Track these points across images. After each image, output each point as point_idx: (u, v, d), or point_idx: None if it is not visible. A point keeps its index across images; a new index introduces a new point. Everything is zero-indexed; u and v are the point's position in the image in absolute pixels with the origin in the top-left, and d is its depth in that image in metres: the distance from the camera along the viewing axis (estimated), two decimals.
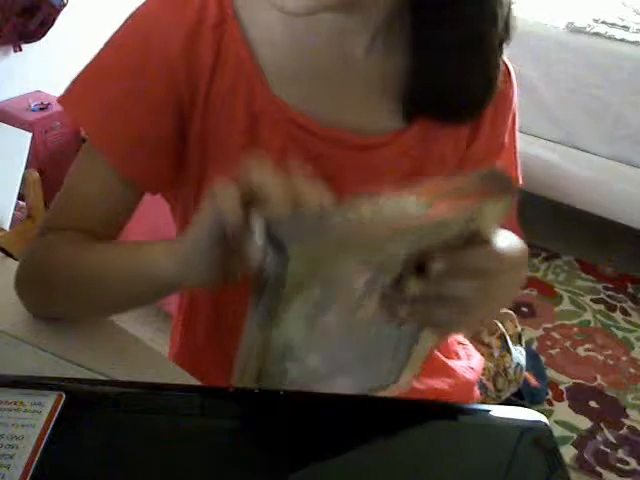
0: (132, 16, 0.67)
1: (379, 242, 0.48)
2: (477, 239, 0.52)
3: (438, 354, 0.86)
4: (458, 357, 0.90)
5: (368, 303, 0.53)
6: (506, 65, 0.71)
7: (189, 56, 0.65)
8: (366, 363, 0.61)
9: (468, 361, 0.91)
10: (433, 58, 0.65)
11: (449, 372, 0.86)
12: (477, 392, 0.90)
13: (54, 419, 0.52)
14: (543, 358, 1.86)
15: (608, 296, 2.18)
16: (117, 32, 0.67)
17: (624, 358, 1.94)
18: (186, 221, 0.73)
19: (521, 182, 0.78)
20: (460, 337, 0.95)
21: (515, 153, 0.77)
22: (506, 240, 0.58)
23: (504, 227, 0.58)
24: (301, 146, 0.67)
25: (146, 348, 0.71)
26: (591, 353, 1.94)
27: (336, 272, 0.49)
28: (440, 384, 0.84)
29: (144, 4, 0.67)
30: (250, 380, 0.57)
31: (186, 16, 0.64)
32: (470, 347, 0.95)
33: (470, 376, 0.88)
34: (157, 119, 0.66)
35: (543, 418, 0.59)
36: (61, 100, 0.69)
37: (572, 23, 2.15)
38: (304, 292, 0.49)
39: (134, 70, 0.65)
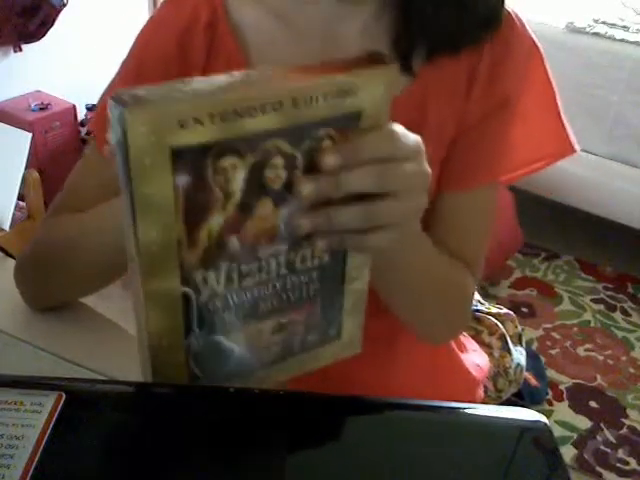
0: (142, 29, 0.71)
1: (228, 113, 0.42)
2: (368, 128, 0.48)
3: (452, 346, 0.86)
4: (465, 349, 0.90)
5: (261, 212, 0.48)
6: (514, 14, 0.69)
7: (183, 55, 0.67)
8: (289, 312, 0.56)
9: (475, 354, 0.91)
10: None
11: (457, 371, 0.86)
12: (481, 394, 0.90)
13: (54, 419, 0.52)
14: (543, 358, 1.86)
15: (608, 296, 2.18)
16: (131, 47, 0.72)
17: (624, 358, 1.94)
18: None
19: (575, 149, 0.77)
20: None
21: (555, 117, 0.75)
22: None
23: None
24: None
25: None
26: (591, 353, 1.94)
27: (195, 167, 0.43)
28: (445, 387, 0.84)
29: (157, 10, 0.71)
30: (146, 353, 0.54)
31: (181, 17, 0.67)
32: (472, 341, 0.96)
33: (477, 374, 0.88)
34: None
35: (543, 418, 0.59)
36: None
37: (572, 23, 2.15)
38: (155, 183, 0.43)
39: (134, 71, 0.68)
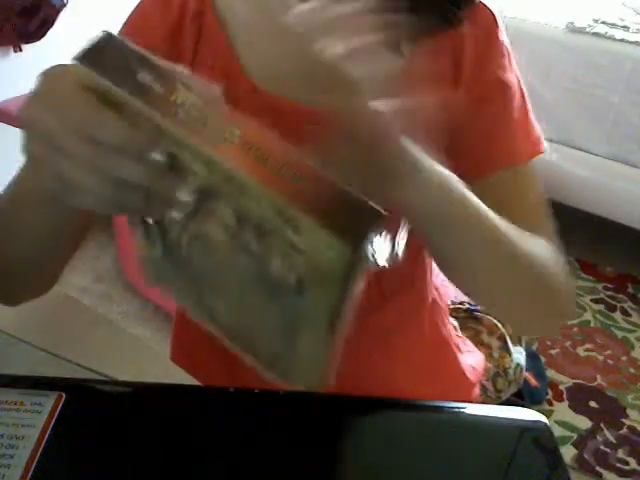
0: (129, 17, 0.71)
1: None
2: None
3: (450, 345, 0.86)
4: (460, 350, 0.90)
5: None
6: (488, 8, 0.69)
7: (173, 48, 0.67)
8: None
9: (470, 355, 0.91)
10: None
11: (452, 371, 0.86)
12: (477, 393, 0.90)
13: (54, 419, 0.52)
14: (543, 358, 1.86)
15: (608, 296, 2.18)
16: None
17: (624, 358, 1.94)
18: None
19: (543, 150, 0.72)
20: (456, 324, 0.94)
21: (523, 119, 0.70)
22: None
23: None
24: (284, 130, 0.67)
25: (146, 348, 0.71)
26: (591, 353, 1.94)
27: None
28: (440, 386, 0.83)
29: (138, 5, 0.71)
30: None
31: (170, 13, 0.68)
32: (468, 341, 0.95)
33: (471, 377, 0.87)
34: None
35: (543, 418, 0.59)
36: None
37: (572, 23, 2.15)
38: None
39: None
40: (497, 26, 0.69)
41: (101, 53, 0.43)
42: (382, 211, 0.38)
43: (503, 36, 0.70)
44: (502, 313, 0.71)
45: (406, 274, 0.78)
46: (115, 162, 0.42)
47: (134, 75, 0.42)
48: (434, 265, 0.84)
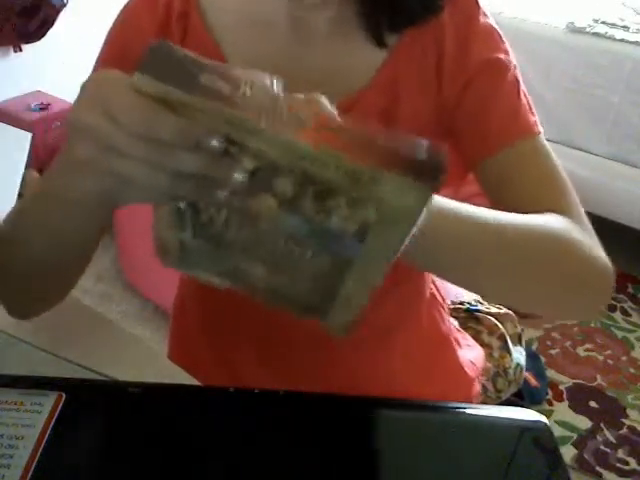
0: (118, 15, 0.71)
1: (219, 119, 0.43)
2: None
3: (449, 339, 0.86)
4: (459, 345, 0.89)
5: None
6: None
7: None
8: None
9: (470, 350, 0.91)
10: None
11: (451, 366, 0.86)
12: (477, 389, 0.90)
13: (54, 419, 0.53)
14: (543, 358, 1.86)
15: None
16: (107, 34, 0.71)
17: (624, 358, 1.94)
18: None
19: (538, 130, 0.69)
20: (456, 324, 0.94)
21: (513, 98, 0.68)
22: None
23: None
24: None
25: (146, 348, 0.71)
26: (591, 353, 1.94)
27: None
28: (439, 383, 0.83)
29: (128, 3, 0.71)
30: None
31: (157, 11, 0.68)
32: (467, 335, 0.95)
33: (471, 372, 0.87)
34: None
35: (543, 418, 0.60)
36: None
37: (572, 23, 2.15)
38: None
39: (119, 52, 0.69)
40: (478, 7, 0.69)
41: (157, 61, 0.45)
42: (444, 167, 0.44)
43: (485, 17, 0.69)
44: (534, 309, 0.67)
45: (403, 267, 0.78)
46: (174, 156, 0.44)
47: (195, 78, 0.44)
48: None
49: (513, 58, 0.69)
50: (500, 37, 0.69)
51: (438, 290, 0.86)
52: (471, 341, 0.94)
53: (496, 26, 0.69)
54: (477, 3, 0.69)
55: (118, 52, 0.69)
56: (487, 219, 0.57)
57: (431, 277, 0.84)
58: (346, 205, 0.46)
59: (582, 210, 0.66)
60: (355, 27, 0.67)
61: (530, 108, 0.70)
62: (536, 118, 0.70)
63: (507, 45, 0.69)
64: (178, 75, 0.45)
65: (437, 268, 0.60)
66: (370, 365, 0.80)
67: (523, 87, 0.69)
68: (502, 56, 0.68)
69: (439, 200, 0.53)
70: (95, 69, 0.70)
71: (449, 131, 0.69)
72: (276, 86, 0.46)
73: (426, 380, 0.82)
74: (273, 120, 0.44)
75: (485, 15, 0.69)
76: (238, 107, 0.44)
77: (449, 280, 0.63)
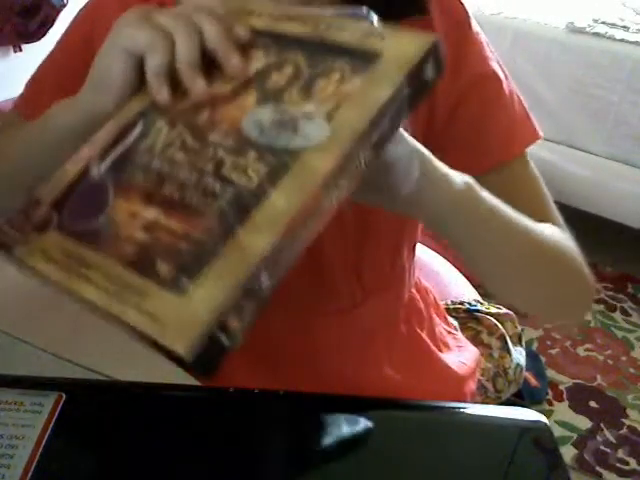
0: (83, 8, 0.73)
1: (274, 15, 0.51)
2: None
3: (428, 344, 0.85)
4: (448, 348, 0.89)
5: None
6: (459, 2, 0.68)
7: None
8: None
9: (459, 353, 0.90)
10: None
11: (437, 366, 0.85)
12: (471, 387, 0.89)
13: (54, 419, 0.53)
14: (543, 358, 1.86)
15: (608, 296, 2.18)
16: (67, 29, 0.73)
17: (624, 358, 1.94)
18: None
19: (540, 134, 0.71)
20: (450, 327, 0.94)
21: (512, 107, 0.68)
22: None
23: None
24: None
25: (146, 348, 0.71)
26: (591, 353, 1.94)
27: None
28: (428, 382, 0.83)
29: None
30: None
31: (130, 3, 0.67)
32: (461, 336, 0.95)
33: (461, 371, 0.87)
34: None
35: (543, 418, 0.60)
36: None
37: (572, 23, 2.15)
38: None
39: (79, 58, 0.67)
40: (468, 19, 0.68)
41: None
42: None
43: (476, 27, 0.68)
44: (529, 304, 0.69)
45: (385, 273, 0.79)
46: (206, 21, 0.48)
47: None
48: (415, 268, 0.85)
49: (504, 68, 0.69)
50: (490, 48, 0.69)
51: (423, 298, 0.87)
52: (464, 342, 0.94)
53: (484, 37, 0.69)
54: (468, 15, 0.68)
55: (82, 40, 0.70)
56: (507, 210, 0.59)
57: (412, 282, 0.85)
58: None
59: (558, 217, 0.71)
60: None
61: (527, 115, 0.70)
62: (533, 122, 0.71)
63: (496, 55, 0.69)
64: None
65: (459, 236, 0.59)
66: (357, 365, 0.79)
67: (517, 94, 0.69)
68: (494, 68, 0.68)
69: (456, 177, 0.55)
70: (52, 55, 0.74)
71: (437, 146, 0.68)
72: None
73: (414, 379, 0.81)
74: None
75: (475, 25, 0.69)
76: None
77: (457, 248, 0.62)
